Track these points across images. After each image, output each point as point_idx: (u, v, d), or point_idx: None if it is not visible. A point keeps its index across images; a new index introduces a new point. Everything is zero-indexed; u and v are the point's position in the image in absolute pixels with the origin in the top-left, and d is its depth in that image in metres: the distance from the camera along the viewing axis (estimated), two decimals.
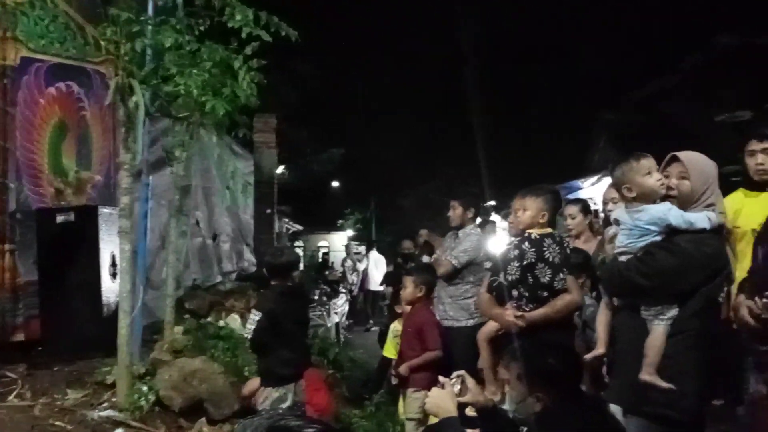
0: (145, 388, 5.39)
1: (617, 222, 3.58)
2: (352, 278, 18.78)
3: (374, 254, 17.90)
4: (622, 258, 3.48)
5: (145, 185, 6.54)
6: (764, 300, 2.92)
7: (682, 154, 3.47)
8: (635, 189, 3.45)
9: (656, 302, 3.33)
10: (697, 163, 3.45)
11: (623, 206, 3.62)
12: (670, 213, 3.36)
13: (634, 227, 3.45)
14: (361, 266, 18.84)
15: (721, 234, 3.43)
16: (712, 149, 4.06)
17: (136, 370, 5.59)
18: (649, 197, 3.44)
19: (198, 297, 8.82)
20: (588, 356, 3.72)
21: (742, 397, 3.31)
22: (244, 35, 5.47)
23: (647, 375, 3.26)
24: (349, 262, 19.78)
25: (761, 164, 4.22)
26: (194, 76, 5.49)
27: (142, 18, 5.40)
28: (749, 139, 4.33)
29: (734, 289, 3.46)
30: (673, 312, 3.30)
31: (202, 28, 5.66)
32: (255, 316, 5.08)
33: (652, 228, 3.39)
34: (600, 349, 3.64)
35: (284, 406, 5.10)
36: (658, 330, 3.31)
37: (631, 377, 3.33)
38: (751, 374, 3.10)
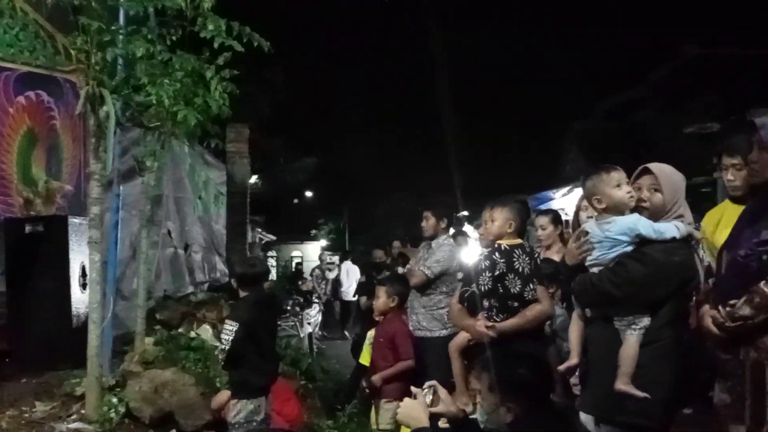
0: (115, 400, 5.34)
1: (586, 234, 3.62)
2: (321, 287, 18.83)
3: (347, 264, 17.91)
4: (594, 269, 3.53)
5: (115, 195, 6.49)
6: (727, 309, 2.97)
7: (654, 166, 3.53)
8: (605, 200, 3.50)
9: (629, 312, 3.37)
10: (668, 176, 3.51)
11: (593, 219, 3.67)
12: (639, 223, 3.42)
13: (605, 239, 3.49)
14: (330, 275, 18.93)
15: (689, 243, 3.49)
16: (681, 160, 4.14)
17: (106, 381, 5.54)
18: (618, 209, 3.49)
19: (169, 308, 8.75)
20: (561, 367, 3.75)
21: (710, 405, 3.36)
22: (216, 45, 5.47)
23: (622, 384, 3.30)
24: (317, 272, 19.81)
25: (731, 180, 4.05)
26: (166, 86, 5.47)
27: (113, 27, 5.37)
28: (722, 153, 4.15)
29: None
30: (646, 322, 3.35)
31: (174, 37, 5.63)
32: (231, 326, 5.00)
33: (623, 239, 3.43)
34: (573, 360, 3.67)
35: (258, 418, 5.07)
36: (631, 340, 3.35)
37: (605, 387, 3.37)
38: (716, 383, 3.14)
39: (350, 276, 17.32)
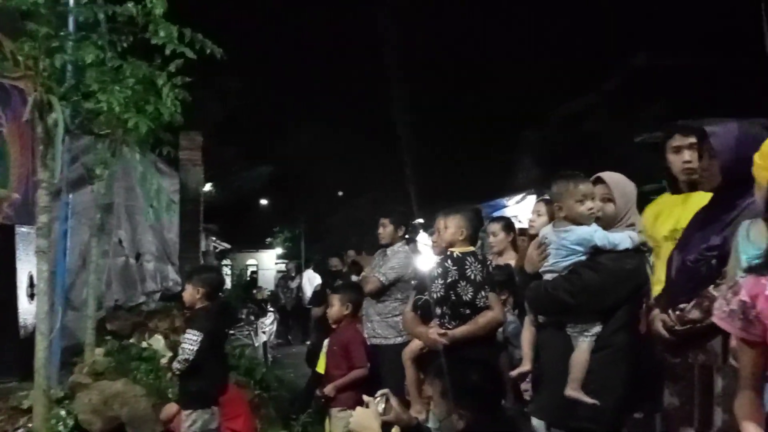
0: (63, 413, 5.24)
1: (545, 239, 3.67)
2: (285, 295, 19.01)
3: (309, 272, 18.07)
4: (548, 276, 3.58)
5: (64, 204, 6.39)
6: (677, 313, 3.02)
7: (607, 176, 3.59)
8: (566, 210, 3.56)
9: (581, 319, 3.43)
10: (621, 186, 3.59)
11: (551, 225, 3.73)
12: (595, 235, 3.49)
13: (561, 246, 3.54)
14: (293, 284, 19.07)
15: (641, 252, 3.56)
16: (632, 168, 4.19)
17: (54, 394, 5.43)
18: (576, 222, 3.55)
19: (120, 318, 8.60)
20: (514, 373, 3.79)
21: (659, 409, 3.41)
22: (168, 52, 5.41)
23: (572, 390, 3.34)
24: (282, 281, 20.55)
25: (689, 161, 3.66)
26: (116, 93, 5.38)
27: (62, 33, 5.27)
28: (671, 135, 3.82)
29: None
30: (597, 329, 3.41)
31: (125, 44, 5.57)
32: (196, 336, 4.99)
33: (578, 248, 3.50)
34: (526, 366, 3.71)
35: (213, 427, 5.06)
36: (583, 346, 3.40)
37: (556, 392, 3.41)
38: (666, 386, 3.20)
39: (312, 284, 17.46)
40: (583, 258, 3.50)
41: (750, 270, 2.11)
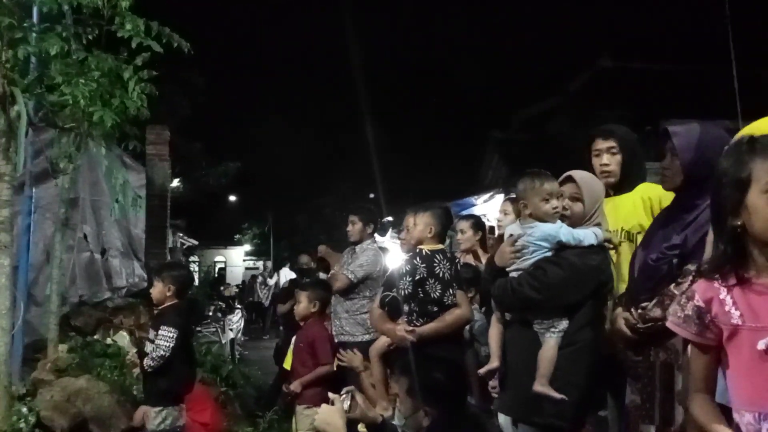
0: (24, 410, 5.17)
1: (512, 237, 3.69)
2: (263, 293, 19.93)
3: (285, 270, 18.58)
4: (513, 274, 3.60)
5: (27, 198, 6.30)
6: (639, 311, 3.05)
7: (576, 175, 3.63)
8: (530, 207, 3.59)
9: (547, 315, 3.46)
10: (590, 185, 3.62)
11: (517, 222, 3.75)
12: (560, 231, 3.52)
13: (526, 243, 3.57)
14: (271, 281, 19.55)
15: (605, 249, 3.60)
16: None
17: (16, 390, 5.35)
18: (541, 219, 3.59)
19: (84, 314, 8.51)
20: (482, 370, 3.79)
21: (622, 407, 3.45)
22: (134, 45, 5.35)
23: (540, 386, 3.37)
24: (260, 278, 21.17)
25: (606, 164, 3.85)
26: (81, 86, 5.30)
27: (25, 24, 5.19)
28: (594, 138, 3.95)
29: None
30: (564, 325, 3.44)
31: (90, 36, 5.50)
32: (171, 333, 4.96)
33: (544, 244, 3.53)
34: (494, 363, 3.71)
35: (180, 424, 5.06)
36: (550, 342, 3.44)
37: (523, 389, 3.44)
38: (628, 384, 3.23)
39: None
40: (549, 254, 3.53)
41: (700, 274, 2.13)
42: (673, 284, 2.93)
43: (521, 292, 3.49)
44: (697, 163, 3.00)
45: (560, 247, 3.52)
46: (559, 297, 3.46)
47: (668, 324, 2.15)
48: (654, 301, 2.99)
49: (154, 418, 5.00)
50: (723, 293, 2.00)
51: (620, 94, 17.03)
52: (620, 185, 3.86)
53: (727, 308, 1.98)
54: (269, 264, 23.19)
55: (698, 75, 18.60)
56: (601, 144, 3.89)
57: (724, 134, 3.09)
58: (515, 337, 3.63)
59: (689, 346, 2.63)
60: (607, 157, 3.85)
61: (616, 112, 13.54)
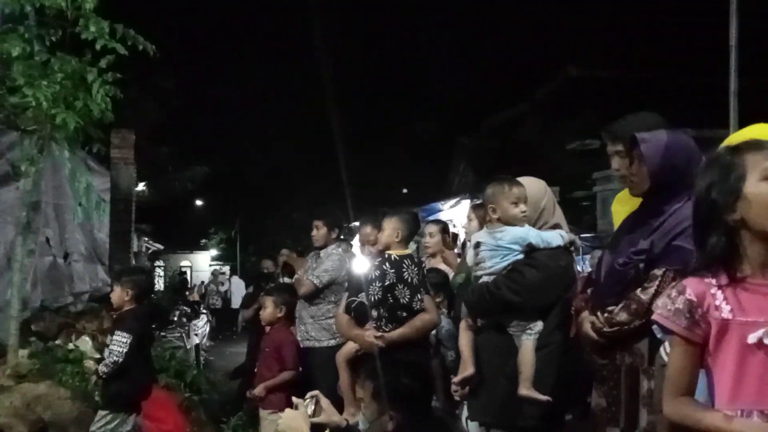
0: None
1: (479, 245, 3.69)
2: (215, 299, 19.47)
3: (236, 279, 18.90)
4: (486, 278, 3.60)
5: None
6: (605, 315, 3.07)
7: (522, 180, 3.69)
8: (499, 212, 3.61)
9: (524, 318, 3.50)
10: (527, 188, 3.66)
11: (484, 228, 3.76)
12: (529, 233, 3.57)
13: (498, 247, 3.58)
14: (223, 288, 19.68)
15: (570, 251, 3.64)
16: (563, 175, 4.27)
17: None
18: (509, 223, 3.61)
19: (46, 319, 8.38)
20: (457, 379, 3.73)
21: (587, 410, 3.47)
22: (98, 47, 5.30)
23: (525, 390, 3.40)
24: (212, 286, 21.47)
25: (617, 169, 3.41)
26: (44, 88, 5.25)
27: None
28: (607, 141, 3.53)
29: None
30: (540, 326, 3.50)
31: (53, 38, 5.44)
32: (125, 338, 4.93)
33: (515, 247, 3.56)
34: (470, 370, 3.67)
35: (126, 430, 5.03)
36: (528, 345, 3.47)
37: (500, 394, 3.46)
38: (593, 388, 3.25)
39: (239, 289, 18.52)
40: (521, 257, 3.56)
41: (691, 272, 2.15)
42: (639, 289, 2.96)
43: (500, 295, 3.50)
44: (664, 170, 3.03)
45: (530, 250, 3.55)
46: (538, 298, 3.50)
47: (655, 317, 2.15)
48: (620, 306, 3.01)
49: (97, 421, 4.99)
50: (714, 289, 2.03)
51: (586, 102, 17.23)
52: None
53: (717, 302, 2.01)
54: (226, 269, 23.36)
55: (662, 83, 18.90)
56: (609, 147, 3.45)
57: (690, 142, 3.13)
58: (488, 343, 3.63)
59: (664, 349, 2.66)
60: (618, 161, 3.36)
61: (583, 120, 13.71)
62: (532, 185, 3.74)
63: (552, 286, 3.52)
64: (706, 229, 2.08)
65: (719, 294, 2.02)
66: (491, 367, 3.59)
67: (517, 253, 3.57)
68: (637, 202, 3.38)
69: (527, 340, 3.48)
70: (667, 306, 2.09)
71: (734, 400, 1.98)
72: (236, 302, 18.73)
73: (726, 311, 1.99)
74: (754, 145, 2.07)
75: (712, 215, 2.05)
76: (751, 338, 1.95)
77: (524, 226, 3.61)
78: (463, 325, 3.82)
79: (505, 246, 3.58)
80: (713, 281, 2.04)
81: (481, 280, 3.64)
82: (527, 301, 3.49)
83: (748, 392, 1.96)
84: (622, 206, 3.60)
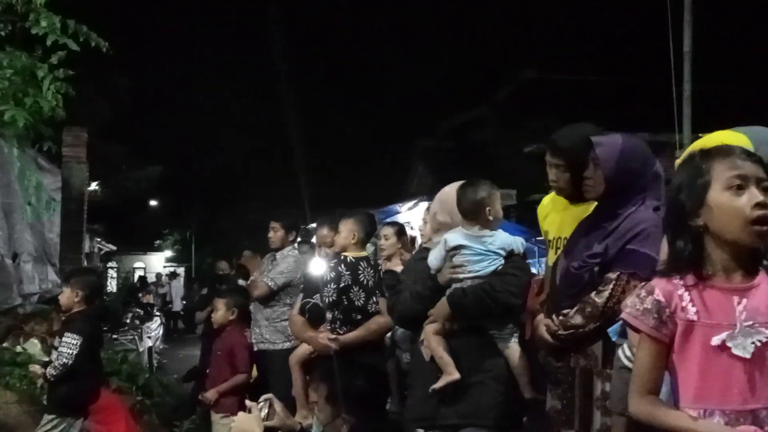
0: None
1: (459, 248, 3.62)
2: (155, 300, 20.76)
3: (176, 283, 19.40)
4: (471, 282, 3.54)
5: None
6: (560, 318, 3.09)
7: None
8: (493, 214, 3.60)
9: (510, 321, 3.53)
10: (448, 196, 3.74)
11: (459, 231, 3.67)
12: (516, 240, 3.64)
13: (488, 252, 3.56)
14: (162, 290, 20.20)
15: None
16: (520, 178, 4.28)
17: None
18: (496, 224, 3.64)
19: None
20: (439, 384, 3.60)
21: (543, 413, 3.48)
22: (49, 43, 5.19)
23: (529, 393, 3.44)
24: (152, 287, 22.19)
25: (553, 180, 3.53)
26: None
27: None
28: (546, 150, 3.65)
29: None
30: (517, 329, 3.54)
31: (2, 33, 5.31)
32: (75, 340, 4.85)
33: (501, 252, 3.59)
34: (454, 375, 3.56)
35: None
36: (517, 348, 3.49)
37: (475, 396, 3.46)
38: (548, 390, 3.26)
39: (179, 294, 19.32)
40: (502, 261, 3.57)
41: (660, 273, 2.17)
42: (594, 292, 2.98)
43: (498, 298, 3.48)
44: (619, 173, 3.06)
45: (508, 255, 3.59)
46: (524, 301, 3.55)
47: (624, 316, 2.16)
48: (575, 309, 3.03)
49: (44, 425, 4.92)
50: (681, 290, 2.05)
51: (544, 104, 17.42)
52: (578, 196, 3.49)
53: (684, 304, 2.04)
54: (181, 271, 23.72)
55: (618, 87, 19.22)
56: (549, 157, 3.54)
57: (644, 146, 3.18)
58: (466, 346, 3.58)
59: (623, 351, 2.68)
60: (555, 172, 3.47)
61: (541, 122, 13.82)
62: (444, 193, 3.81)
63: (526, 289, 3.59)
64: (675, 231, 2.11)
65: (686, 295, 2.04)
66: (469, 371, 3.53)
67: (501, 257, 3.58)
68: (574, 208, 3.44)
69: (515, 344, 3.50)
70: (636, 306, 2.11)
71: (697, 400, 2.01)
72: (177, 306, 21.03)
73: (692, 313, 2.02)
74: (724, 152, 2.09)
75: (680, 217, 2.08)
76: (715, 341, 1.98)
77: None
78: (429, 329, 3.63)
79: (494, 251, 3.58)
80: (681, 282, 2.06)
81: (462, 284, 3.56)
82: (522, 304, 3.54)
83: (711, 392, 1.99)
84: (558, 213, 3.66)
